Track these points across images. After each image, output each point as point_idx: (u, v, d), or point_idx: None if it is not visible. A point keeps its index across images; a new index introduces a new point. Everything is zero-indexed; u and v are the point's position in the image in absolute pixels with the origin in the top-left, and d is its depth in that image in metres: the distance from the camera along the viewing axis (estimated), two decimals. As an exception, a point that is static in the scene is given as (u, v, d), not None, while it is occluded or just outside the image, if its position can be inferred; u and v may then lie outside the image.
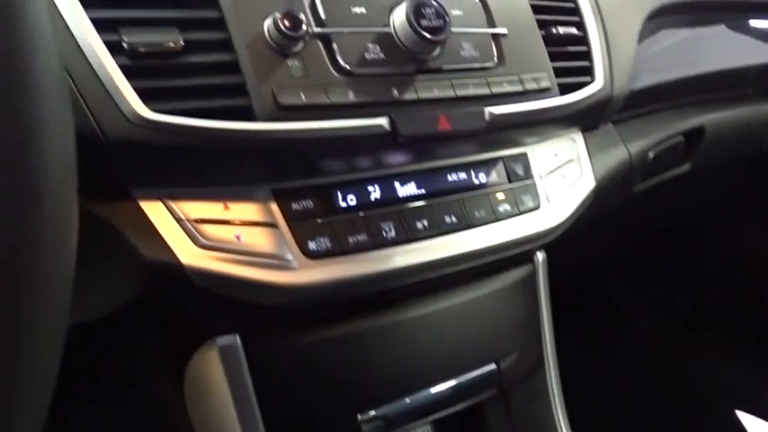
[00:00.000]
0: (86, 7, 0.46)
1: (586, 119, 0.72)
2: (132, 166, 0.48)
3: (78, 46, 0.46)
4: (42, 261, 0.30)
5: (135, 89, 0.46)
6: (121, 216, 0.49)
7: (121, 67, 0.46)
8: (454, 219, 0.61)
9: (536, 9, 0.67)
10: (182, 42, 0.48)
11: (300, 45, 0.52)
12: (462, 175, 0.63)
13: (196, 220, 0.50)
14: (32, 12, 0.31)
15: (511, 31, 0.63)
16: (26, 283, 0.30)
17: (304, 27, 0.51)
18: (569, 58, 0.69)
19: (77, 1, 0.46)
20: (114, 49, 0.46)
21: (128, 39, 0.47)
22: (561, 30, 0.68)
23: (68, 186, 0.33)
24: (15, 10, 0.30)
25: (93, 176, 0.48)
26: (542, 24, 0.67)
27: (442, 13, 0.56)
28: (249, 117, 0.50)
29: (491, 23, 0.62)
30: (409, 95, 0.56)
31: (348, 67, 0.54)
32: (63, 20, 0.46)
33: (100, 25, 0.46)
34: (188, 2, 0.50)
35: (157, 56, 0.48)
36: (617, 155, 0.78)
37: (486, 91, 0.60)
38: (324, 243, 0.54)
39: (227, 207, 0.52)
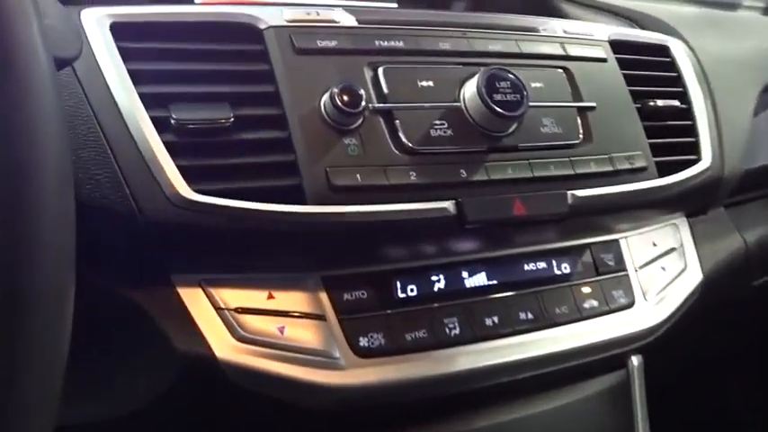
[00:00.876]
0: (137, 83, 0.44)
1: (692, 202, 0.63)
2: (172, 249, 0.45)
3: (124, 121, 0.44)
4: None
5: (179, 167, 0.43)
6: (157, 303, 0.45)
7: (166, 144, 0.44)
8: (530, 315, 0.53)
9: (630, 79, 0.60)
10: (232, 118, 0.45)
11: (359, 121, 0.48)
12: (541, 265, 0.55)
13: (236, 310, 0.46)
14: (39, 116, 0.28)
15: (600, 103, 0.56)
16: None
17: (364, 102, 0.47)
18: (670, 133, 0.61)
19: (128, 77, 0.44)
20: (161, 125, 0.44)
21: (176, 115, 0.44)
22: (660, 102, 0.61)
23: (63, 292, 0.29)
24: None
25: (130, 260, 0.46)
26: (637, 96, 0.60)
27: (518, 87, 0.50)
28: (300, 199, 0.45)
29: (577, 96, 0.56)
30: (479, 176, 0.50)
31: (411, 145, 0.49)
32: (111, 96, 0.44)
33: (149, 101, 0.44)
34: (242, 76, 0.47)
35: (205, 132, 0.45)
36: (730, 244, 0.67)
37: (569, 171, 0.53)
38: (377, 339, 0.48)
39: (271, 296, 0.47)
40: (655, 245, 0.61)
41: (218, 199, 0.44)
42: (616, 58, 0.60)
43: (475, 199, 0.49)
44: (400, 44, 0.52)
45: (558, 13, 0.72)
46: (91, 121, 0.43)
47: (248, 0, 0.56)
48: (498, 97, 0.50)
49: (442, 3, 0.78)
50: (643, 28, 0.70)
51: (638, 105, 0.59)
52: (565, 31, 0.59)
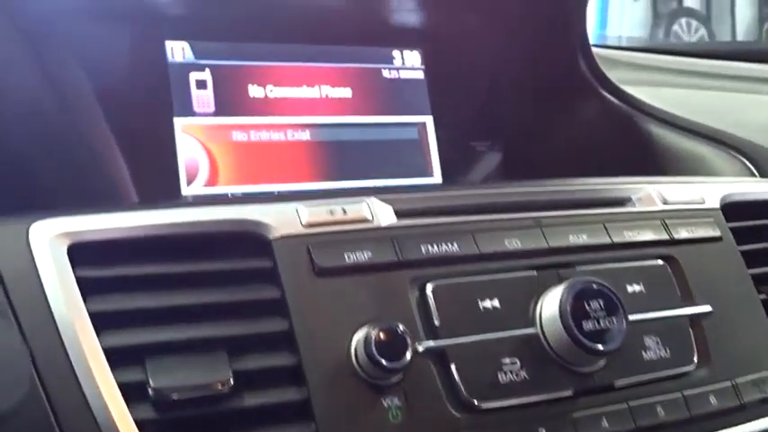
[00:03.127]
0: (101, 331, 0.32)
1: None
2: None
3: (81, 390, 0.32)
4: None
5: None
6: None
7: (139, 424, 0.32)
8: None
9: (751, 259, 0.46)
10: (231, 379, 0.33)
11: (402, 373, 0.35)
12: None
13: None
14: None
15: (717, 305, 0.43)
16: None
17: (409, 343, 0.34)
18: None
19: (89, 321, 0.32)
20: (134, 394, 0.32)
21: (155, 381, 0.32)
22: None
23: None
24: None
25: None
26: (762, 282, 0.46)
27: (614, 306, 0.37)
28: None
29: (687, 297, 0.42)
30: (564, 434, 0.37)
31: (473, 400, 0.36)
32: (64, 350, 0.32)
33: (117, 357, 0.32)
34: (243, 310, 0.35)
35: (195, 403, 0.33)
36: None
37: (682, 414, 0.39)
38: None
39: None
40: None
41: None
42: (731, 228, 0.46)
43: None
44: (454, 248, 0.39)
45: (644, 138, 0.59)
46: (33, 386, 0.31)
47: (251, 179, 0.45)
48: (589, 326, 0.37)
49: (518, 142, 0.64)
50: (759, 168, 0.56)
51: (764, 296, 0.45)
52: (664, 200, 0.46)
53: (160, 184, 0.55)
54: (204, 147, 0.58)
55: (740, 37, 2.74)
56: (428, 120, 0.64)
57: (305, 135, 0.60)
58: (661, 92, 0.72)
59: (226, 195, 0.57)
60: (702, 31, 2.79)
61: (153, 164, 0.55)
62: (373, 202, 0.39)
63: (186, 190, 0.57)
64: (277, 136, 0.60)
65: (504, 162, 0.63)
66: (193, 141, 0.57)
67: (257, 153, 0.59)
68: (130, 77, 0.56)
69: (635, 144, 0.57)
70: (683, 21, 2.80)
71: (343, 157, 0.61)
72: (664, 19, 2.80)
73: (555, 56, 0.59)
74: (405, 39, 0.64)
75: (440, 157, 0.63)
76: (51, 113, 0.47)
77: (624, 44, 1.88)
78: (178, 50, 0.58)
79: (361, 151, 0.62)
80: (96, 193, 0.49)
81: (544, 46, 0.59)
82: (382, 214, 0.39)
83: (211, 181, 0.57)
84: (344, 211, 0.38)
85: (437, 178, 0.63)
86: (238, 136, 0.59)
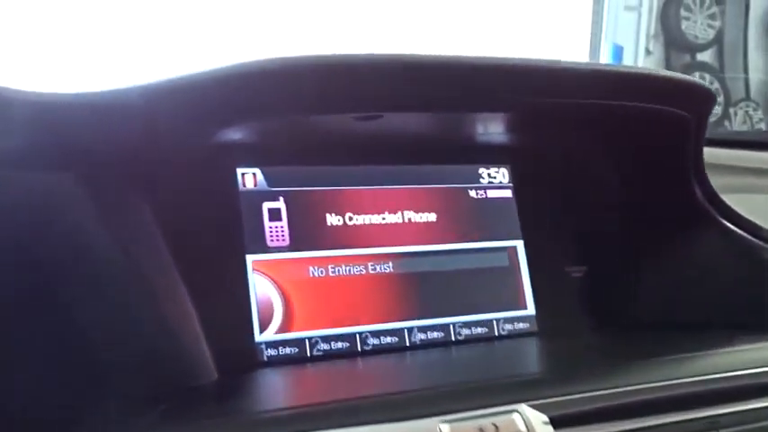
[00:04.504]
0: None
1: None
2: None
3: None
4: None
5: None
6: None
7: None
8: None
9: None
10: None
11: None
12: None
13: None
14: None
15: None
16: None
17: None
18: None
19: None
20: None
21: None
22: None
23: None
24: None
25: None
26: None
27: None
28: None
29: None
30: None
31: None
32: None
33: None
34: None
35: None
36: None
37: None
38: None
39: None
40: None
41: None
42: None
43: None
44: None
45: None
46: None
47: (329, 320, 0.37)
48: None
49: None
50: None
51: None
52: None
53: (231, 331, 0.49)
54: (278, 286, 0.51)
55: (753, 92, 2.72)
56: (519, 244, 0.58)
57: (387, 267, 0.54)
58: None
59: (303, 341, 0.51)
60: (716, 85, 2.77)
61: (223, 309, 0.49)
62: (524, 410, 0.33)
63: (260, 337, 0.50)
64: (357, 270, 0.53)
65: (602, 291, 0.57)
66: (266, 281, 0.51)
67: (335, 290, 0.52)
68: (199, 211, 0.49)
69: (760, 279, 0.51)
70: (697, 74, 2.79)
71: (428, 291, 0.54)
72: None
73: (664, 180, 0.53)
74: (492, 154, 0.58)
75: (531, 286, 0.57)
76: (120, 276, 0.41)
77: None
78: (249, 178, 0.52)
79: (447, 283, 0.55)
80: (170, 364, 0.42)
81: (652, 169, 0.53)
82: (538, 425, 0.33)
83: (286, 325, 0.51)
84: (496, 428, 0.32)
85: (530, 310, 0.57)
86: (315, 272, 0.52)
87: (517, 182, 0.59)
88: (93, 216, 0.42)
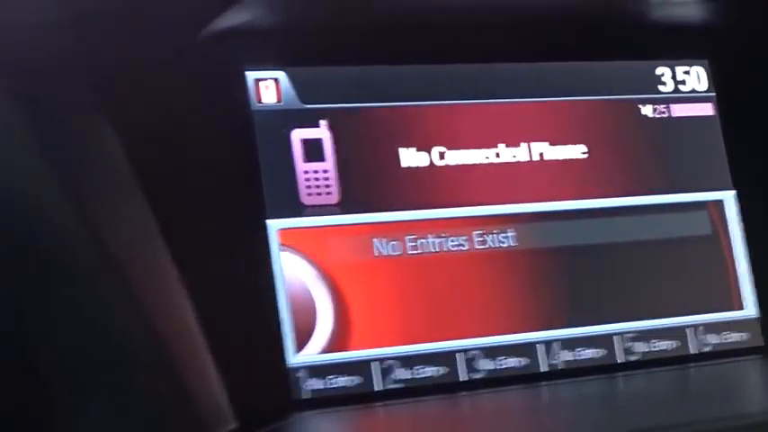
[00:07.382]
0: None
1: None
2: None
3: None
4: None
5: None
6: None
7: None
8: None
9: None
10: None
11: None
12: None
13: None
14: None
15: None
16: None
17: None
18: None
19: None
20: None
21: None
22: None
23: None
24: None
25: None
26: None
27: None
28: None
29: None
30: None
31: None
32: None
33: None
34: None
35: None
36: None
37: None
38: None
39: None
40: None
41: None
42: None
43: None
44: None
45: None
46: None
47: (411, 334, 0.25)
48: None
49: None
50: None
51: None
52: None
53: (250, 350, 0.30)
54: (323, 272, 0.31)
55: None
56: (728, 197, 0.36)
57: (507, 239, 0.33)
58: None
59: (367, 366, 0.31)
60: None
61: (236, 315, 0.29)
62: None
63: (295, 358, 0.30)
64: (455, 244, 0.32)
65: None
66: (303, 264, 0.31)
67: (420, 279, 0.32)
68: (189, 150, 0.29)
69: None
70: None
71: (576, 280, 0.33)
72: None
73: None
74: (680, 42, 0.36)
75: (751, 269, 0.35)
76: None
77: None
78: (269, 88, 0.31)
79: (607, 265, 0.33)
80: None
81: None
82: None
83: (339, 339, 0.31)
84: None
85: (749, 310, 0.35)
86: (384, 248, 0.32)
87: (722, 90, 0.36)
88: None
